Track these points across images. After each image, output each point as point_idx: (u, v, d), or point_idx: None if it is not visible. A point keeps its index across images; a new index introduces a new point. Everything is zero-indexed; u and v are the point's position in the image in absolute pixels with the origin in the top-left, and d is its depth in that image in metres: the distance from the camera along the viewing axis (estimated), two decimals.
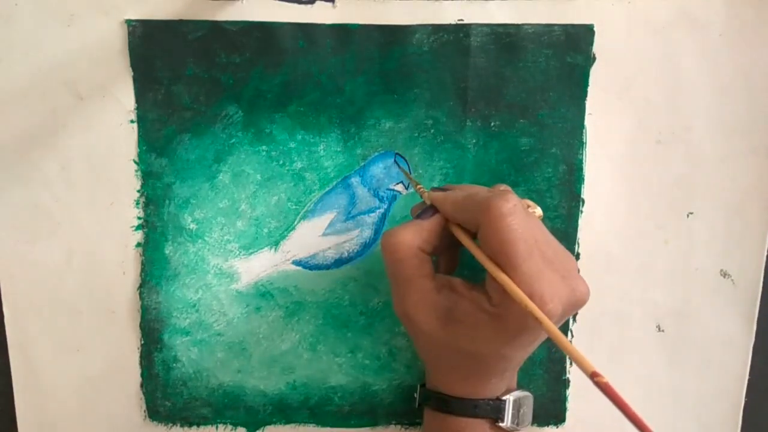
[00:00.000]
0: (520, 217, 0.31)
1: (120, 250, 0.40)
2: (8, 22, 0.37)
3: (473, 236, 0.33)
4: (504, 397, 0.36)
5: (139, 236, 0.40)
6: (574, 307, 0.32)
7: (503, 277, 0.31)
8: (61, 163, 0.39)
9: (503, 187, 0.36)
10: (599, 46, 0.38)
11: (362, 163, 0.40)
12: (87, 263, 0.40)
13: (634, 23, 0.38)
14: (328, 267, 0.40)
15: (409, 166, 0.39)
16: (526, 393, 0.37)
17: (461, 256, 0.39)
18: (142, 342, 0.41)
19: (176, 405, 0.41)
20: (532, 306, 0.29)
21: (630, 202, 0.40)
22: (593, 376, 0.27)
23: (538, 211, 0.36)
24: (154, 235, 0.40)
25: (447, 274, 0.36)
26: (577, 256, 0.41)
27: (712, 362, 0.42)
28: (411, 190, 0.40)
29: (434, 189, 0.36)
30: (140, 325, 0.40)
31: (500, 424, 0.35)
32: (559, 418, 0.43)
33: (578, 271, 0.34)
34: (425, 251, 0.34)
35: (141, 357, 0.41)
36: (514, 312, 0.31)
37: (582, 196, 0.40)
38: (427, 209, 0.35)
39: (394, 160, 0.39)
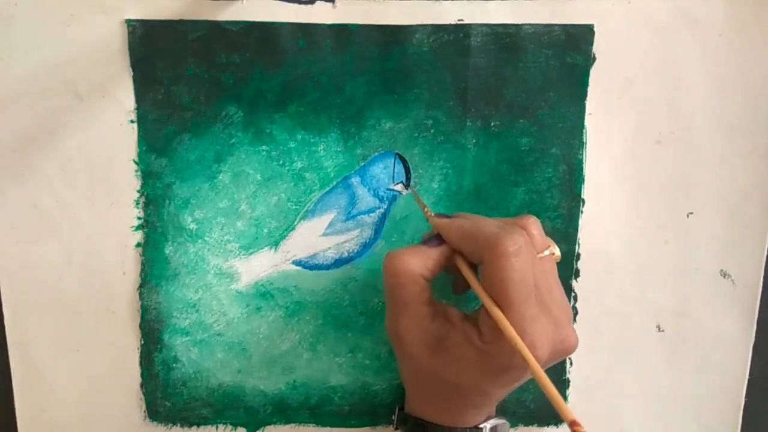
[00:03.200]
0: (524, 259, 0.31)
1: (120, 250, 0.40)
2: (8, 22, 0.37)
3: (475, 267, 0.34)
4: (481, 425, 0.36)
5: (139, 236, 0.40)
6: (560, 355, 0.33)
7: (498, 314, 0.31)
8: (61, 163, 0.39)
9: (529, 219, 0.35)
10: (599, 46, 0.38)
11: (362, 163, 0.40)
12: (87, 263, 0.40)
13: (634, 23, 0.38)
14: (328, 267, 0.40)
15: (409, 166, 0.39)
16: (503, 420, 0.37)
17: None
18: (142, 342, 0.41)
19: (176, 405, 0.41)
20: (522, 345, 0.30)
21: (630, 202, 0.40)
22: (572, 425, 0.28)
23: (557, 252, 0.35)
24: (154, 235, 0.40)
25: (464, 293, 0.37)
26: (577, 257, 0.41)
27: (711, 362, 0.42)
28: (412, 190, 0.40)
29: (440, 215, 0.36)
30: (140, 326, 0.40)
31: None
32: (559, 418, 0.43)
33: (573, 320, 0.34)
34: (426, 278, 0.34)
35: (141, 357, 0.41)
36: (502, 351, 0.31)
37: (582, 196, 0.40)
38: (435, 237, 0.35)
39: (408, 187, 0.39)
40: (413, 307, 0.34)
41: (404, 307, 0.34)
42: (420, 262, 0.34)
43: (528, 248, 0.32)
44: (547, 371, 0.41)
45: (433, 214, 0.37)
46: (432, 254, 0.34)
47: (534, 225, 0.34)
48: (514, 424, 0.42)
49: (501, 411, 0.42)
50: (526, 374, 0.32)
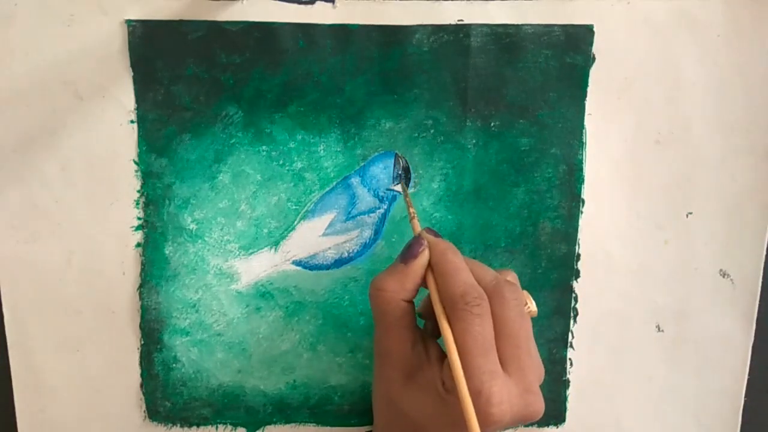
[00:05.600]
0: (486, 316, 0.31)
1: (120, 250, 0.40)
2: (8, 22, 0.37)
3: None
4: None
5: (139, 236, 0.40)
6: (522, 420, 0.31)
7: (454, 364, 0.30)
8: (61, 163, 0.39)
9: (508, 275, 0.35)
10: (599, 46, 0.38)
11: (362, 164, 0.40)
12: (87, 263, 0.40)
13: (634, 23, 0.38)
14: (328, 267, 0.40)
15: (409, 167, 0.39)
16: None
17: None
18: (142, 342, 0.41)
19: (176, 405, 0.41)
20: (468, 403, 0.29)
21: (630, 202, 0.40)
22: None
23: (533, 307, 0.34)
24: (154, 235, 0.40)
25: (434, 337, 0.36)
26: (578, 257, 0.41)
27: (711, 362, 0.42)
28: (411, 190, 0.40)
29: (429, 230, 0.35)
30: (140, 326, 0.40)
31: None
32: (559, 418, 0.43)
33: (540, 384, 0.33)
34: (407, 300, 0.34)
35: (141, 357, 0.41)
36: (459, 405, 0.30)
37: (582, 196, 0.40)
38: (413, 245, 0.34)
39: (399, 183, 0.39)
40: (395, 331, 0.34)
41: (388, 330, 0.34)
42: (397, 285, 0.33)
43: (488, 310, 0.31)
44: (547, 372, 0.41)
45: (417, 222, 0.36)
46: (409, 271, 0.33)
47: (512, 279, 0.34)
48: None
49: None
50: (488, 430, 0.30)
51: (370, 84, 0.38)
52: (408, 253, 0.34)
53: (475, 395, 0.29)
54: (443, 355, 0.33)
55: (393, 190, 0.40)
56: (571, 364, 0.42)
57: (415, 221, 0.36)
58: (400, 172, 0.39)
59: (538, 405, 0.32)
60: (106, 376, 0.41)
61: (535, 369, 0.32)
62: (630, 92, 0.39)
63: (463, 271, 0.33)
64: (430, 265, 0.34)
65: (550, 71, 0.39)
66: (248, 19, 0.37)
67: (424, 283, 0.34)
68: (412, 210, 0.37)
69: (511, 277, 0.35)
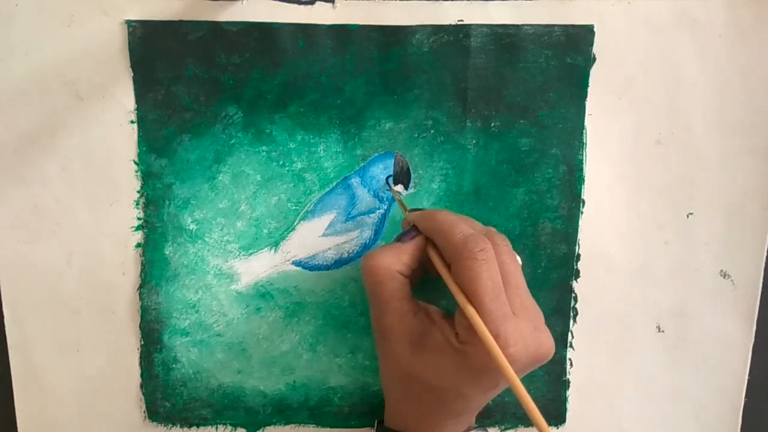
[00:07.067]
0: (492, 261, 0.31)
1: (120, 251, 0.40)
2: (8, 22, 0.37)
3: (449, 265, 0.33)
4: None
5: (138, 237, 0.40)
6: (537, 360, 0.32)
7: (471, 311, 0.31)
8: (61, 163, 0.39)
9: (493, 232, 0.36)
10: (599, 47, 0.38)
11: (362, 164, 0.39)
12: (87, 263, 0.40)
13: (634, 23, 0.38)
14: (328, 267, 0.40)
15: (409, 167, 0.39)
16: (483, 430, 0.37)
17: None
18: (142, 342, 0.41)
19: (176, 406, 0.41)
20: (492, 342, 0.30)
21: (630, 202, 0.40)
22: None
23: (518, 260, 0.35)
24: (154, 235, 0.40)
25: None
26: (578, 257, 0.41)
27: (711, 363, 0.42)
28: (411, 190, 0.40)
29: (413, 210, 0.37)
30: (140, 326, 0.40)
31: None
32: (559, 418, 0.43)
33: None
34: (404, 274, 0.34)
35: (141, 357, 0.41)
36: (478, 351, 0.31)
37: (582, 196, 0.40)
38: (409, 231, 0.36)
39: (387, 183, 0.39)
40: (394, 304, 0.34)
41: (386, 305, 0.34)
42: (395, 258, 0.34)
43: (493, 252, 0.32)
44: (547, 374, 0.41)
45: (407, 209, 0.37)
46: (406, 248, 0.35)
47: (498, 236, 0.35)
48: (513, 425, 0.42)
49: (501, 411, 0.42)
50: (504, 378, 0.31)
51: (370, 84, 0.38)
52: (403, 237, 0.35)
53: (493, 339, 0.30)
54: (446, 314, 0.34)
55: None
56: (571, 364, 0.42)
57: (405, 212, 0.37)
58: (388, 176, 0.39)
59: (549, 342, 0.33)
60: (106, 376, 0.41)
61: (537, 309, 0.33)
62: (630, 92, 0.39)
63: (458, 223, 0.33)
64: (430, 242, 0.35)
65: (550, 71, 0.38)
66: (248, 19, 0.37)
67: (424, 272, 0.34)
68: (406, 212, 0.38)
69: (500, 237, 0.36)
